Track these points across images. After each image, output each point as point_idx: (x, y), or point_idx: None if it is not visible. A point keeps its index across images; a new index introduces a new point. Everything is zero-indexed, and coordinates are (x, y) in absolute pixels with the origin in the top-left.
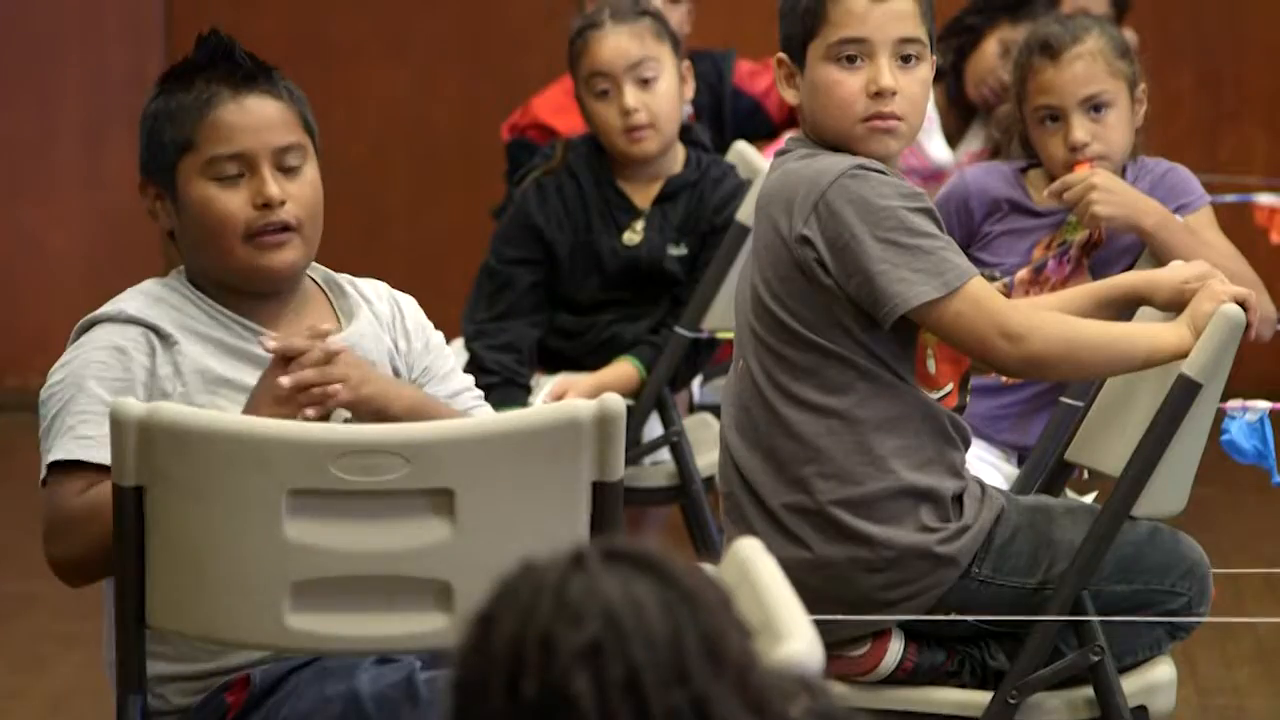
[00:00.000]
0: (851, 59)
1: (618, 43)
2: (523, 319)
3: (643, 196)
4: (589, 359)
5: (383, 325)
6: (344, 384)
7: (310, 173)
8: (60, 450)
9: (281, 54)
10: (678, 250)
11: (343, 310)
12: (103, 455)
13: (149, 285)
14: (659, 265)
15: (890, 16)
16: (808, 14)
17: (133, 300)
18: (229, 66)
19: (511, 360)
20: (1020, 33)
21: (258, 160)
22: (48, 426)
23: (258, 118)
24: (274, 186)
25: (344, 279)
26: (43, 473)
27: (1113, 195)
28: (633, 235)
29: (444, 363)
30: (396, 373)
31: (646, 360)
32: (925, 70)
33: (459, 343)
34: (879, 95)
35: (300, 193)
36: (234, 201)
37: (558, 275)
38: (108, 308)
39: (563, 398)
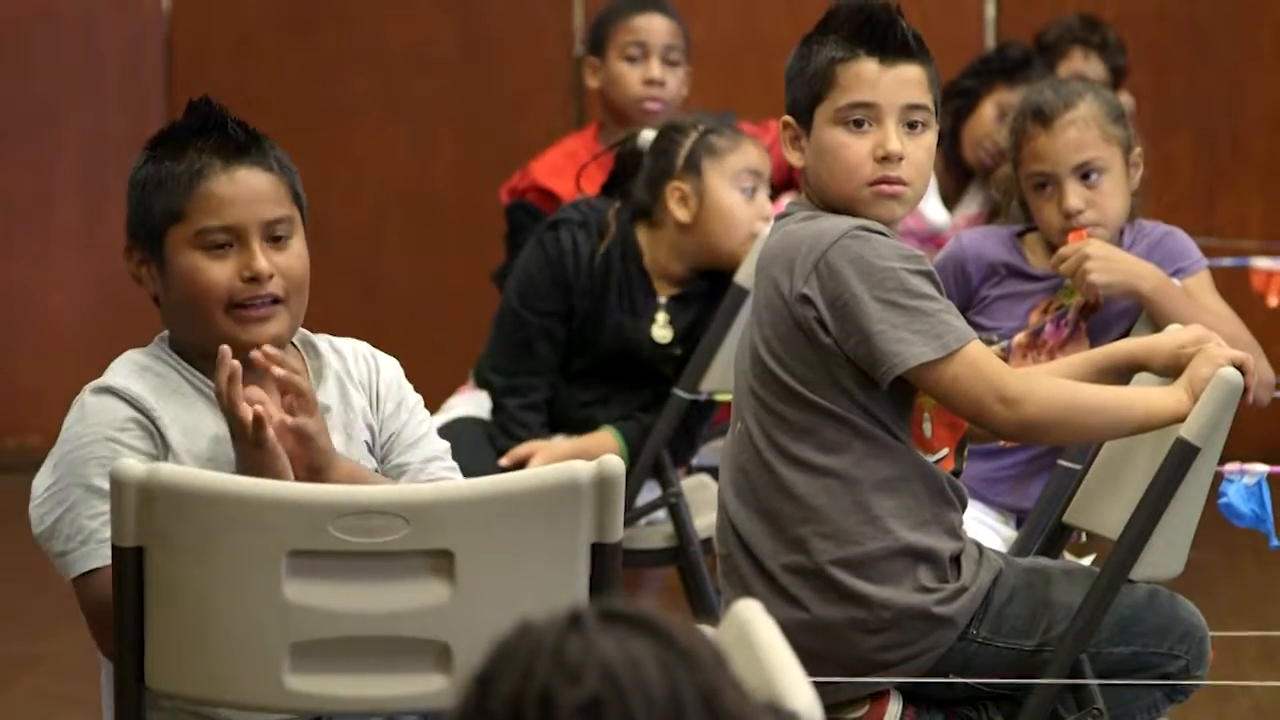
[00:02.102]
0: (859, 123)
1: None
2: (549, 375)
3: (663, 286)
4: (557, 426)
5: (355, 383)
6: (315, 416)
7: (298, 245)
8: (94, 559)
9: (280, 115)
10: (674, 350)
11: (314, 370)
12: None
13: (134, 355)
14: (660, 361)
15: (899, 83)
16: (816, 77)
17: (121, 373)
18: (221, 137)
19: (537, 422)
20: (1017, 96)
21: (247, 233)
22: (55, 527)
23: (248, 190)
24: (262, 260)
25: (321, 340)
26: (69, 573)
27: (1108, 262)
28: (661, 331)
29: (416, 428)
30: (370, 430)
31: (630, 438)
32: (930, 138)
33: (459, 397)
34: (886, 160)
35: (288, 265)
36: (221, 272)
37: (571, 324)
38: (100, 382)
39: (525, 463)
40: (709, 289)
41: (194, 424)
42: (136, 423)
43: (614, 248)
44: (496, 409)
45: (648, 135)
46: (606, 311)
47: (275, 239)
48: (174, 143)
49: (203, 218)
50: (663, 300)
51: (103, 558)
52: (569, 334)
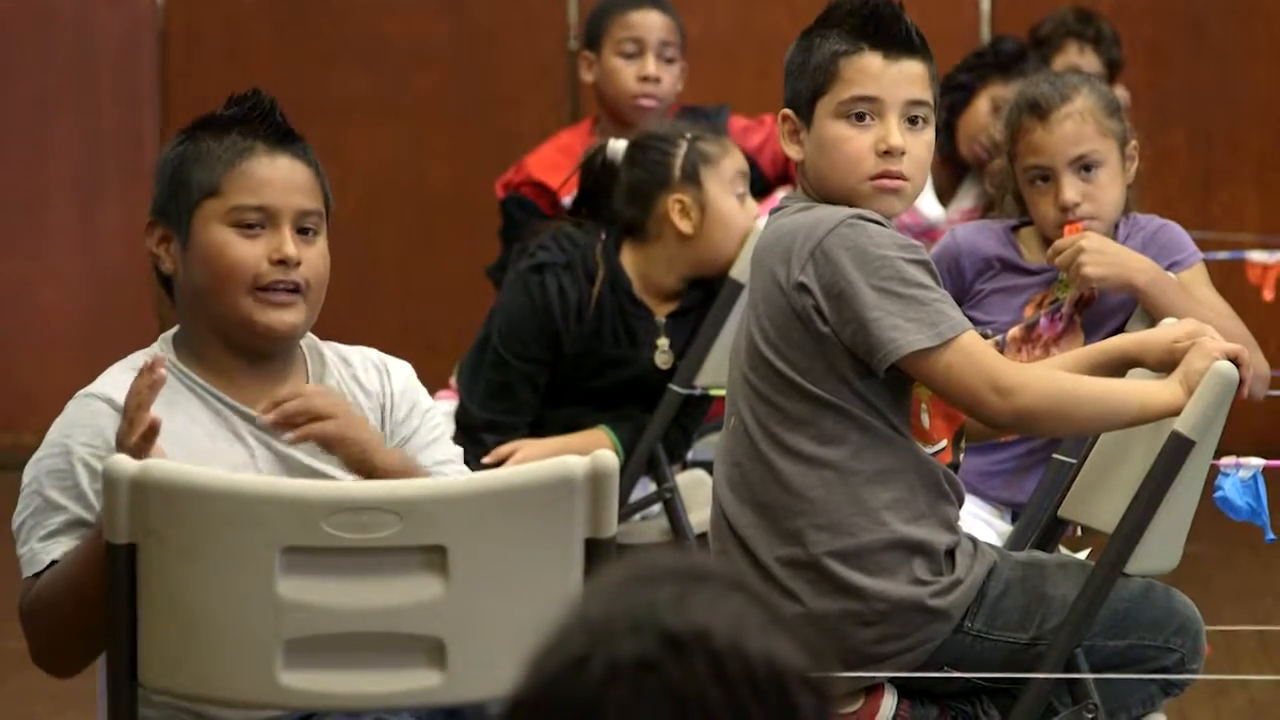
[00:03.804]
0: (861, 117)
1: None
2: (528, 414)
3: (658, 306)
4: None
5: (364, 391)
6: (332, 418)
7: (323, 243)
8: (32, 566)
9: None
10: (675, 365)
11: (315, 377)
12: (52, 554)
13: (134, 356)
14: (661, 382)
15: (903, 78)
16: (819, 70)
17: (112, 380)
18: (269, 125)
19: None
20: (1011, 90)
21: (280, 218)
22: (19, 530)
23: (288, 177)
24: (292, 246)
25: (328, 348)
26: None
27: (1103, 256)
28: (663, 356)
29: (428, 433)
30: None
31: (623, 436)
32: (930, 134)
33: (440, 402)
34: (888, 154)
35: (313, 258)
36: (250, 251)
37: (560, 367)
38: (88, 389)
39: (506, 460)
40: (704, 297)
41: (181, 429)
42: (105, 440)
43: (604, 287)
44: (473, 440)
45: (617, 146)
46: (603, 350)
47: (304, 231)
48: (217, 125)
49: (239, 194)
50: (661, 321)
51: (38, 565)
52: (565, 376)
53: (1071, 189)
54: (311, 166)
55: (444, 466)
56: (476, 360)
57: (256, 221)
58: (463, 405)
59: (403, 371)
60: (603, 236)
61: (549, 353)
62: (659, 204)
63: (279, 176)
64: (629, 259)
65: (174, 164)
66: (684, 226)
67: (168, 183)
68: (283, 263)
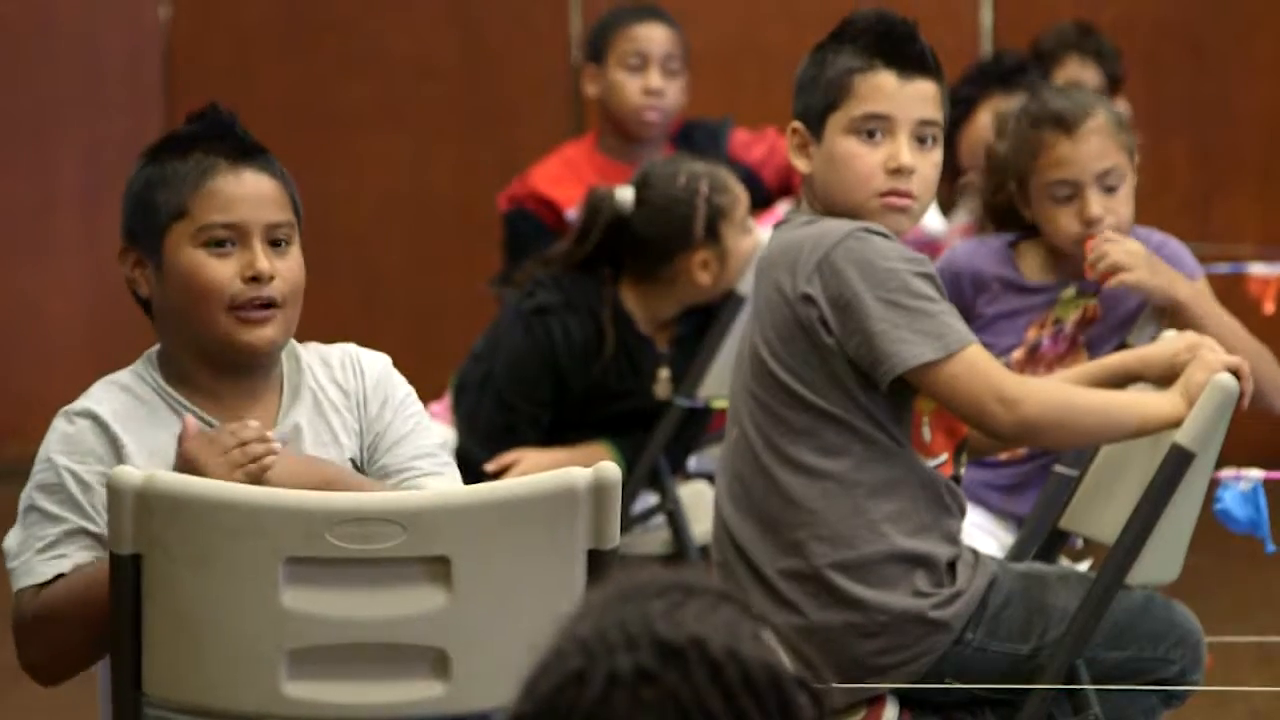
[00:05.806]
0: (871, 134)
1: None
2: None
3: (660, 337)
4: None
5: (341, 390)
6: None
7: (296, 253)
8: (26, 577)
9: (281, 122)
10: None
11: (291, 386)
12: (58, 566)
13: (115, 376)
14: (660, 409)
15: (916, 97)
16: (832, 85)
17: (95, 397)
18: (230, 141)
19: None
20: (1012, 103)
21: (250, 233)
22: (13, 546)
23: (254, 191)
24: (265, 261)
25: (306, 350)
26: (13, 587)
27: (1153, 264)
28: (663, 386)
29: (402, 425)
30: (357, 440)
31: (624, 450)
32: (938, 154)
33: (434, 422)
34: (897, 172)
35: (287, 270)
36: (223, 271)
37: (564, 405)
38: (72, 406)
39: (509, 468)
40: (702, 321)
41: (163, 448)
42: (96, 456)
43: (608, 330)
44: (476, 476)
45: (625, 196)
46: (608, 385)
47: (275, 244)
48: (179, 144)
49: (207, 214)
50: (664, 351)
51: (38, 575)
52: (569, 411)
53: (1097, 204)
54: (277, 178)
55: (418, 463)
56: (476, 402)
57: (227, 239)
58: (463, 445)
59: (375, 366)
60: (606, 275)
61: (555, 394)
62: (679, 261)
63: (245, 192)
64: (630, 295)
65: (140, 188)
66: (704, 279)
67: (135, 207)
68: (256, 279)
